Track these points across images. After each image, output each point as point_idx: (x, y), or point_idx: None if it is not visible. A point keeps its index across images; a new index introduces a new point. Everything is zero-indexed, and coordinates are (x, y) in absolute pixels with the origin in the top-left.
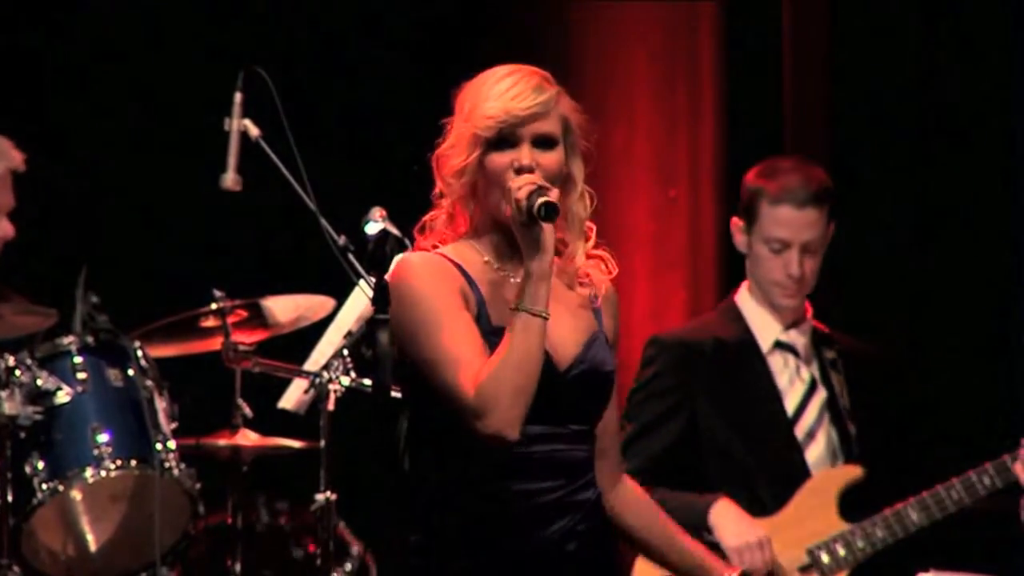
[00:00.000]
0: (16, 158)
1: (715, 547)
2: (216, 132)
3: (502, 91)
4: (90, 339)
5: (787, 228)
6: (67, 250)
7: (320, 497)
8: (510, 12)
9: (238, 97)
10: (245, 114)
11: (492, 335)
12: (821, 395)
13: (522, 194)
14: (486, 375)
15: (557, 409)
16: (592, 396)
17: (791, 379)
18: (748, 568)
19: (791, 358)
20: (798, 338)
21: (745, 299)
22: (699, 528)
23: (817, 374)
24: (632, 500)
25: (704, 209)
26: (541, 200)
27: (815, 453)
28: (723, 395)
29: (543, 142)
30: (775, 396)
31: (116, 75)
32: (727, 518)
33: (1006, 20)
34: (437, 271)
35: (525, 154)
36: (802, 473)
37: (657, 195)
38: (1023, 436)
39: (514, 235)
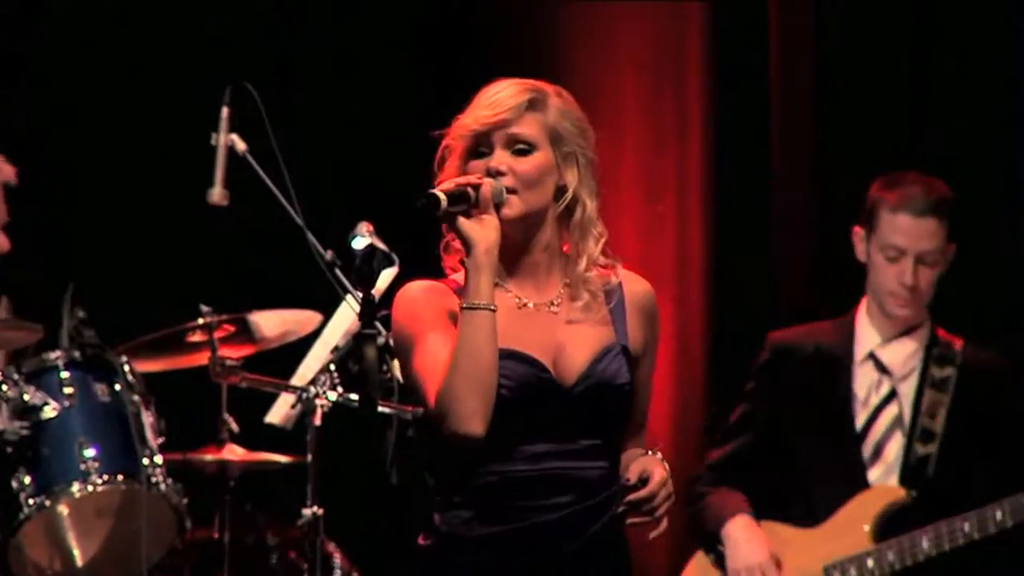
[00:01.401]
0: (9, 172)
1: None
2: (203, 147)
3: (480, 102)
4: (77, 354)
5: (904, 236)
6: (54, 265)
7: (307, 512)
8: (498, 26)
9: (225, 112)
10: (232, 129)
11: (501, 358)
12: (894, 410)
13: (442, 191)
14: (440, 378)
15: (565, 425)
16: (603, 410)
17: (869, 392)
18: None
19: (876, 372)
20: (899, 351)
21: (861, 311)
22: (716, 540)
23: (908, 389)
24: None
25: (691, 225)
26: (426, 192)
27: (880, 470)
28: (804, 402)
29: (517, 146)
30: (847, 408)
31: (103, 89)
32: (736, 537)
33: (996, 24)
34: (423, 299)
35: (496, 157)
36: (861, 488)
37: (644, 210)
38: None
39: (514, 254)
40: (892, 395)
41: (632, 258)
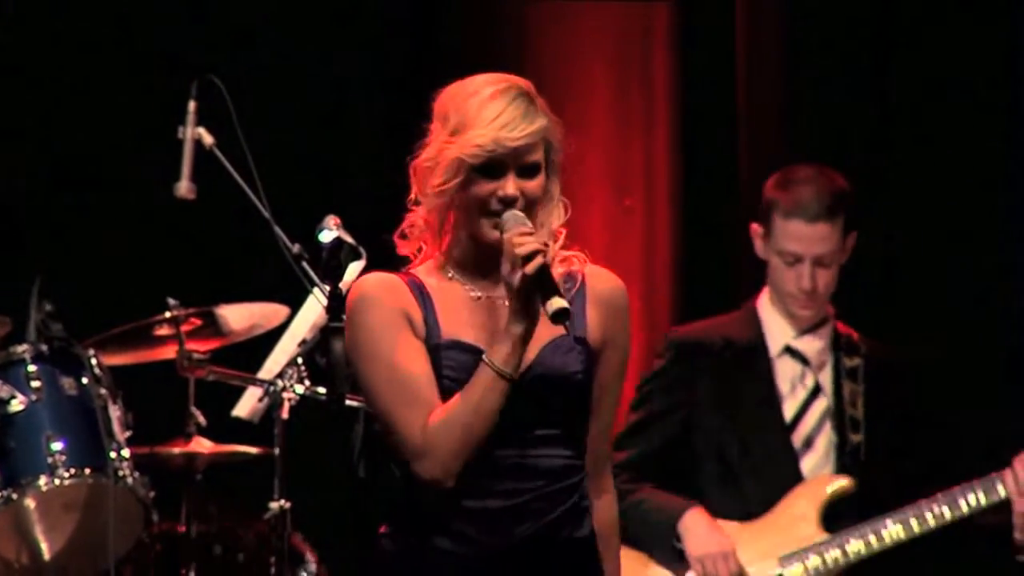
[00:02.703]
0: None
1: (683, 554)
2: (171, 140)
3: (493, 115)
4: (44, 347)
5: (799, 242)
6: (21, 258)
7: (274, 505)
8: (465, 22)
9: (192, 105)
10: (199, 122)
11: (444, 349)
12: (823, 402)
13: (531, 269)
14: (438, 420)
15: (517, 414)
16: (556, 400)
17: (794, 385)
18: None
19: (798, 364)
20: (812, 344)
21: (764, 303)
22: (670, 534)
23: (827, 381)
24: (599, 523)
25: (659, 219)
26: (557, 305)
27: (812, 461)
28: (723, 396)
29: (528, 170)
30: (774, 401)
31: (69, 82)
32: (695, 528)
33: (965, 23)
34: (381, 297)
35: (510, 185)
36: (795, 480)
37: (611, 205)
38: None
39: (483, 252)
40: (818, 387)
41: (600, 252)
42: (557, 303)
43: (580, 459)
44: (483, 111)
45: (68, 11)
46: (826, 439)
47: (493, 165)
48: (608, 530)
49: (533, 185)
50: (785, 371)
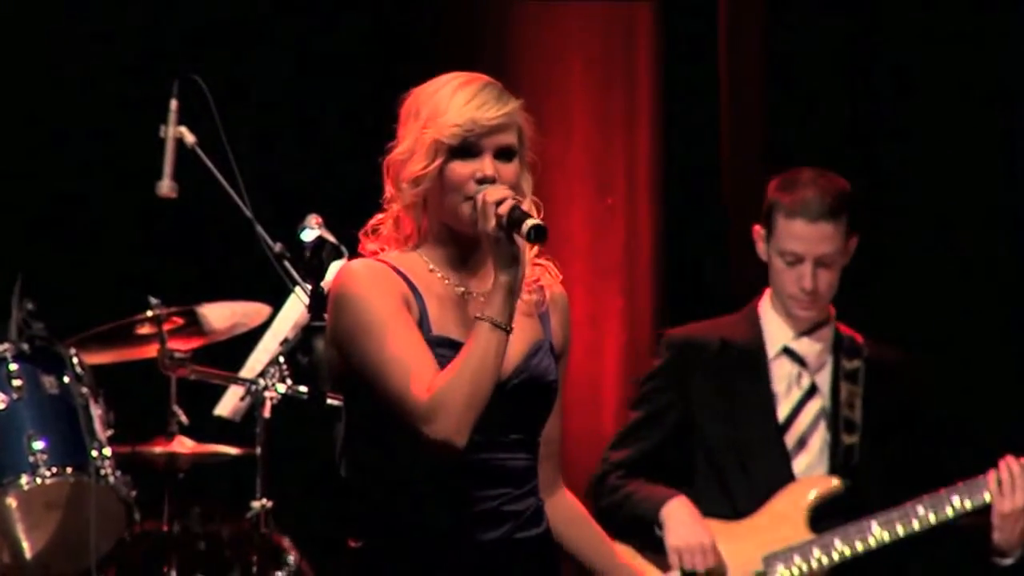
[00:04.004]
0: None
1: (663, 543)
2: (152, 139)
3: (467, 99)
4: (25, 346)
5: (800, 242)
6: (2, 257)
7: (256, 504)
8: (446, 22)
9: (173, 104)
10: (181, 121)
11: (435, 345)
12: (818, 403)
13: (504, 209)
14: (444, 381)
15: (496, 418)
16: (533, 406)
17: (789, 386)
18: (686, 569)
19: (795, 365)
20: (811, 345)
21: (765, 304)
22: (651, 522)
23: (824, 383)
24: (569, 511)
25: (640, 217)
26: (531, 223)
27: (805, 461)
28: (718, 397)
29: (504, 153)
30: (768, 401)
31: (51, 80)
32: (677, 517)
33: (942, 20)
34: (380, 278)
35: (488, 165)
36: (787, 480)
37: (593, 203)
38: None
39: (463, 246)
40: (813, 388)
41: (582, 251)
42: (530, 222)
43: (536, 461)
44: (456, 96)
45: (50, 9)
46: (820, 440)
47: (470, 147)
48: (584, 518)
49: (510, 169)
50: (781, 372)
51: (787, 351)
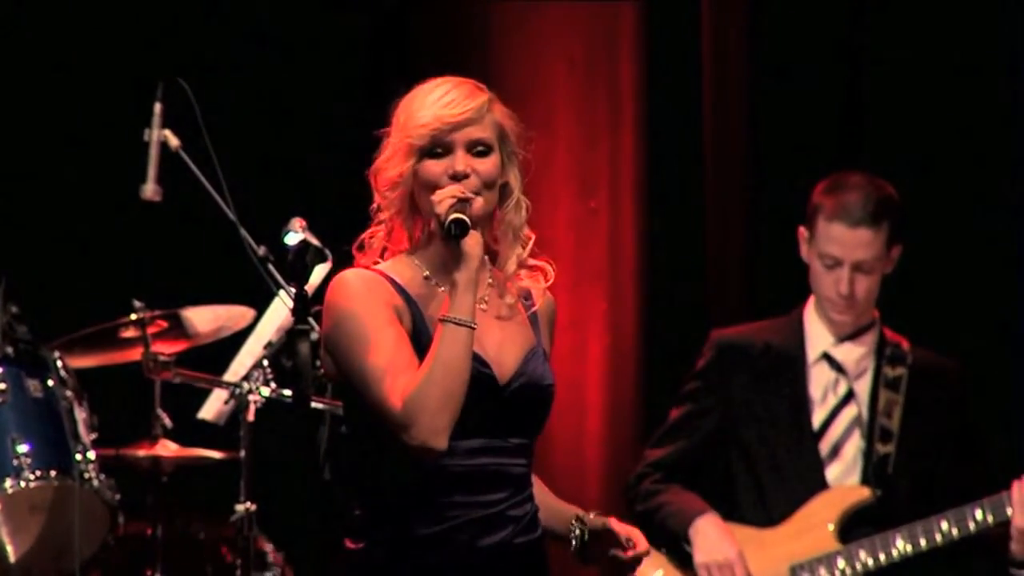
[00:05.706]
0: None
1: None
2: (136, 142)
3: (434, 100)
4: (9, 350)
5: (839, 246)
6: None
7: (240, 508)
8: (430, 23)
9: (158, 108)
10: (165, 125)
11: None
12: (853, 410)
13: (442, 208)
14: (413, 387)
15: (498, 422)
16: (532, 410)
17: (826, 392)
18: None
19: (833, 371)
20: (851, 351)
21: (809, 309)
22: (681, 538)
23: (863, 389)
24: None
25: (624, 220)
26: (452, 216)
27: (838, 470)
28: (756, 400)
29: (477, 148)
30: (804, 408)
31: (36, 83)
32: (705, 534)
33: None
34: (368, 287)
35: (459, 160)
36: (819, 487)
37: (577, 206)
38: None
39: (449, 251)
40: (850, 395)
41: (565, 254)
42: (452, 218)
43: (530, 468)
44: (426, 99)
45: (34, 11)
46: (854, 448)
47: (440, 145)
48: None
49: (485, 164)
50: (819, 378)
51: (826, 357)
